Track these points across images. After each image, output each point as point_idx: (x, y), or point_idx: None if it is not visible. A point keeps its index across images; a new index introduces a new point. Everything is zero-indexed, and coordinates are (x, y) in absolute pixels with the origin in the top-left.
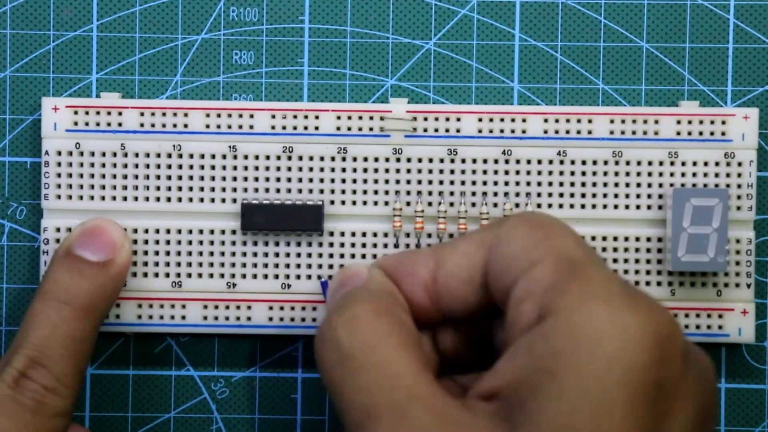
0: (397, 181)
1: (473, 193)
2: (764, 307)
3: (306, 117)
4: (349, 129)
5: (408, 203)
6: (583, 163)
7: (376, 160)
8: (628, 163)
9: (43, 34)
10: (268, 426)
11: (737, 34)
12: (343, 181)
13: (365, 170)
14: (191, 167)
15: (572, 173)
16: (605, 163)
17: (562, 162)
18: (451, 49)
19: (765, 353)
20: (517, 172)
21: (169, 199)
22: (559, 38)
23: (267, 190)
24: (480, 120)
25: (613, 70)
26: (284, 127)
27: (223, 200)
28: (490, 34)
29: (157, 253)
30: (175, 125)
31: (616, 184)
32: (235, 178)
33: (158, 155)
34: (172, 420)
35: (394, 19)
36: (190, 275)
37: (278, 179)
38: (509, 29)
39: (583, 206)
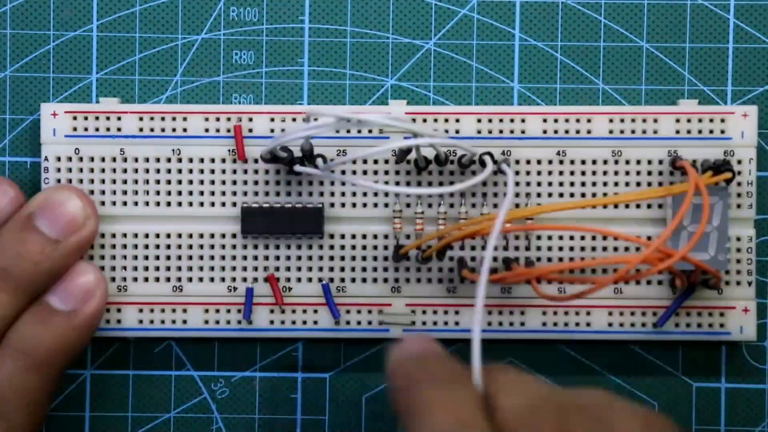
0: (397, 183)
1: (473, 194)
2: (765, 306)
3: (304, 120)
4: (348, 131)
5: (408, 205)
6: (583, 162)
7: (376, 162)
8: (627, 162)
9: (43, 34)
10: (268, 426)
11: (737, 34)
12: (343, 183)
13: (365, 172)
14: (191, 171)
15: (572, 173)
16: (605, 162)
17: (561, 162)
18: (451, 49)
19: (765, 353)
20: (517, 173)
21: (169, 204)
22: (559, 38)
23: (267, 194)
24: (479, 121)
25: (613, 70)
26: (283, 130)
27: (223, 204)
28: (490, 34)
29: (157, 257)
30: (174, 129)
31: (616, 184)
32: (234, 182)
33: (158, 160)
34: (172, 420)
35: (394, 19)
36: (190, 279)
37: (278, 182)
38: (509, 29)
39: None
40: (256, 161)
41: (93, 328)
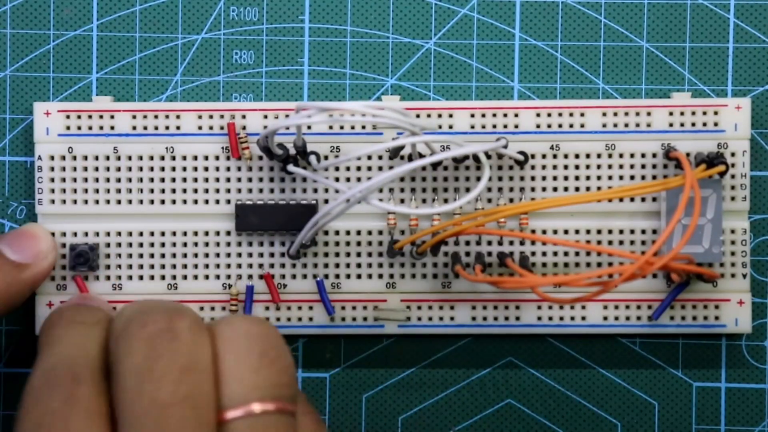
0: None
1: (467, 189)
2: (764, 306)
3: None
4: (342, 128)
5: (402, 201)
6: (576, 156)
7: (369, 158)
8: (621, 155)
9: (43, 33)
10: None
11: (737, 33)
12: (337, 179)
13: (359, 168)
14: (184, 169)
15: (566, 167)
16: (598, 156)
17: (555, 156)
18: (451, 49)
19: (765, 353)
20: (511, 167)
21: (163, 202)
22: (559, 38)
23: (261, 191)
24: (472, 116)
25: (614, 69)
26: None
27: (217, 201)
28: (490, 33)
29: (152, 255)
30: (167, 127)
31: (610, 177)
32: (228, 179)
33: (151, 158)
34: None
35: (394, 19)
36: (185, 277)
37: (272, 179)
38: (509, 29)
39: None
40: (249, 158)
41: (35, 288)
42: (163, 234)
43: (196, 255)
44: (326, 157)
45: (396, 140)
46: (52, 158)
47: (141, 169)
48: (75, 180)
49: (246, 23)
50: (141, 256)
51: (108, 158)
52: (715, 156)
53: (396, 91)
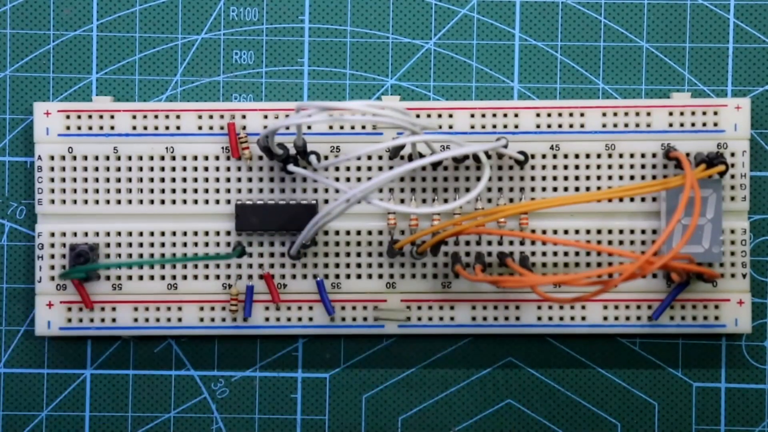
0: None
1: (467, 189)
2: (764, 306)
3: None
4: (342, 127)
5: (402, 200)
6: (576, 156)
7: (369, 158)
8: (621, 155)
9: (43, 34)
10: (268, 426)
11: (737, 33)
12: (337, 179)
13: (359, 168)
14: (184, 169)
15: (565, 167)
16: (598, 156)
17: (555, 156)
18: (451, 49)
19: (765, 353)
20: (511, 167)
21: (162, 202)
22: (559, 38)
23: (261, 191)
24: (472, 116)
25: (613, 69)
26: None
27: (217, 201)
28: (490, 33)
29: (152, 255)
30: (167, 127)
31: (610, 177)
32: (228, 179)
33: (151, 158)
34: (172, 420)
35: (394, 19)
36: (185, 277)
37: (272, 179)
38: (509, 29)
39: None
40: (249, 158)
41: None
42: (163, 234)
43: (196, 255)
44: (326, 157)
45: (396, 140)
46: (52, 158)
47: (141, 169)
48: (75, 180)
49: (246, 23)
50: (141, 256)
51: (108, 158)
52: (715, 156)
53: (396, 91)
